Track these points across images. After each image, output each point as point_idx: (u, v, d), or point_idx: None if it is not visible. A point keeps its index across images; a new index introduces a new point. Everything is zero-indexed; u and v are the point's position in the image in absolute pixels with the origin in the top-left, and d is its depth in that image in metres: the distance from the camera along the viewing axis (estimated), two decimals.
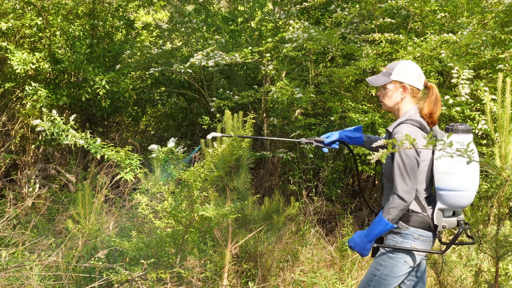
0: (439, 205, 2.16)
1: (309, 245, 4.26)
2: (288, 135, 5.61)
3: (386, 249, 2.24)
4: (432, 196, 2.26)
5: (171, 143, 2.25)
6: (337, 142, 2.47)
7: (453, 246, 4.28)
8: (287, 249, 4.14)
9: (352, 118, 4.34)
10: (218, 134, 2.65)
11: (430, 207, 2.21)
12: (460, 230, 2.17)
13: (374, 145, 1.65)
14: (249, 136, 2.95)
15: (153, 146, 2.26)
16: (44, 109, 2.82)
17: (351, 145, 2.50)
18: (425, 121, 2.25)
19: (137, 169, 2.44)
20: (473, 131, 3.82)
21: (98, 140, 2.44)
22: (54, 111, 2.37)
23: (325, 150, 2.52)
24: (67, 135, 2.38)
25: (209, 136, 2.57)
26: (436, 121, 2.26)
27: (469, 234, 2.47)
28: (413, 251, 2.20)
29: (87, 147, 2.41)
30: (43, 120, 2.38)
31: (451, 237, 2.25)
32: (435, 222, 2.17)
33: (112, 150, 2.44)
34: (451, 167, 2.08)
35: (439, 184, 2.13)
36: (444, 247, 2.27)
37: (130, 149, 2.55)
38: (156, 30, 6.88)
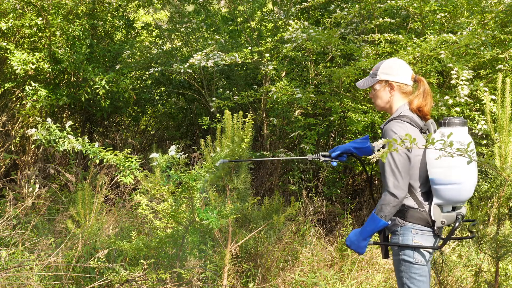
0: (435, 200, 2.14)
1: (309, 245, 4.26)
2: (288, 135, 5.61)
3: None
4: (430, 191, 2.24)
5: (172, 152, 2.26)
6: (345, 155, 2.46)
7: (453, 246, 4.29)
8: (287, 249, 4.14)
9: (352, 118, 4.33)
10: (226, 161, 2.70)
11: (428, 202, 2.19)
12: (456, 224, 2.14)
13: (374, 144, 1.64)
14: (260, 159, 3.04)
15: (154, 155, 2.27)
16: (38, 118, 2.79)
17: (362, 156, 2.47)
18: (416, 116, 2.24)
19: (136, 171, 2.43)
20: (473, 131, 3.82)
21: (96, 144, 2.43)
22: (48, 119, 2.35)
23: (334, 163, 2.50)
24: (64, 142, 2.37)
25: (217, 164, 2.65)
26: (427, 115, 2.25)
27: (471, 230, 2.43)
28: (419, 248, 2.16)
29: (85, 152, 2.40)
30: (38, 128, 2.35)
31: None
32: (433, 218, 2.15)
33: (111, 154, 2.43)
34: (443, 159, 1.98)
35: (433, 178, 2.11)
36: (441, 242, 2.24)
37: (129, 151, 2.54)
38: (156, 30, 6.88)
